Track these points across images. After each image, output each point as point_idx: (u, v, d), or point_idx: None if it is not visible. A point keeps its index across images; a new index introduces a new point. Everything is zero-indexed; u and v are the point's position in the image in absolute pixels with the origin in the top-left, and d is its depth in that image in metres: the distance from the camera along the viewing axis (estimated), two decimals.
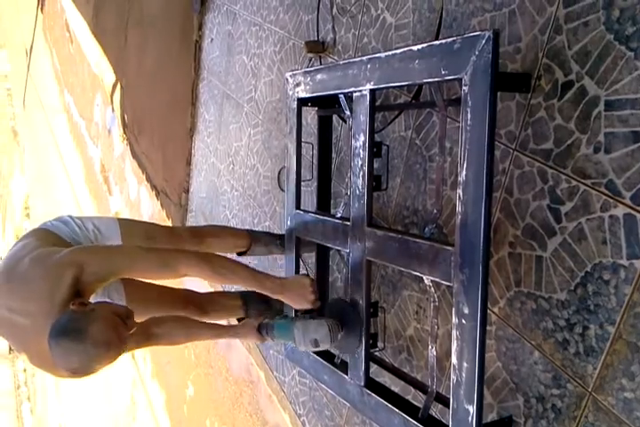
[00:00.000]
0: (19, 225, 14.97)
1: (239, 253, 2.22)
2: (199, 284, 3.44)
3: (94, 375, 1.49)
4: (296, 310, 1.86)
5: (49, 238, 1.74)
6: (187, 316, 1.94)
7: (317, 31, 2.22)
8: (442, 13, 1.58)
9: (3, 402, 13.71)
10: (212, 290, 2.64)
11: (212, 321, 1.99)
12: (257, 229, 2.64)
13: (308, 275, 1.96)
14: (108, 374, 6.87)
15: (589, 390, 1.21)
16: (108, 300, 1.84)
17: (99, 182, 6.82)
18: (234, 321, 2.20)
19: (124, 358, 6.50)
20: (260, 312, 2.16)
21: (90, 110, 6.94)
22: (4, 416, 13.40)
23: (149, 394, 5.36)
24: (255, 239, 2.18)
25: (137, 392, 5.77)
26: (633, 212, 1.11)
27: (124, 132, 5.48)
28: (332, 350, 1.79)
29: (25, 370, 14.11)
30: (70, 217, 1.88)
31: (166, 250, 1.72)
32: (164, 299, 2.03)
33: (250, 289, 1.93)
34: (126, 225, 1.94)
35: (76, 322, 1.39)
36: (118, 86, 5.63)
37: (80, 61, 7.17)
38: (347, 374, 1.66)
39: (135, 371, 5.85)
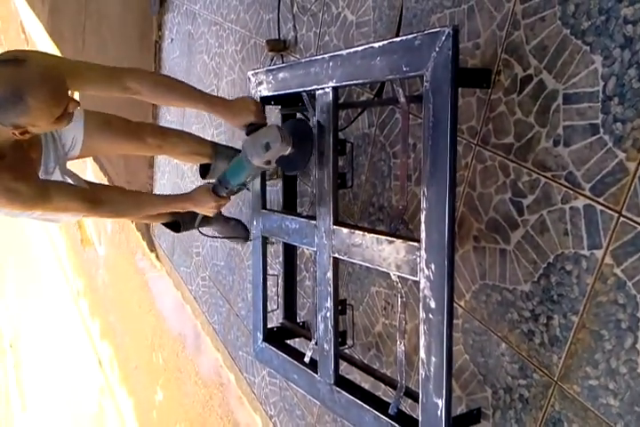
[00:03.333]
0: None
1: (202, 172, 2.18)
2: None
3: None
4: None
5: None
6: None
7: (278, 30, 2.21)
8: (402, 10, 1.59)
9: None
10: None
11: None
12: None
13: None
14: (75, 382, 6.73)
15: (555, 379, 1.23)
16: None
17: None
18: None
19: (91, 365, 6.36)
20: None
21: None
22: None
23: (117, 401, 5.27)
24: (218, 151, 2.15)
25: (105, 399, 5.66)
26: (592, 203, 1.13)
27: None
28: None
29: None
30: None
31: (111, 66, 1.67)
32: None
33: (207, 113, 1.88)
34: (90, 112, 1.96)
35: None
36: None
37: None
38: (316, 373, 1.66)
39: (102, 378, 5.74)
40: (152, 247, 4.14)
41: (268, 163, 1.60)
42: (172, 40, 3.41)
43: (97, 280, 5.93)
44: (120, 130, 1.99)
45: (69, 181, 1.97)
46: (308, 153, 1.57)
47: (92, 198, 1.72)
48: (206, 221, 2.36)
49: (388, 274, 1.44)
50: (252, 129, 1.67)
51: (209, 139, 2.30)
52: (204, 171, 2.20)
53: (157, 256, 4.06)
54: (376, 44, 1.34)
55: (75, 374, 6.81)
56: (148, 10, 3.66)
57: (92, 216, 1.84)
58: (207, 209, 1.82)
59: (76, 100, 1.48)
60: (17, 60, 1.37)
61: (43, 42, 6.67)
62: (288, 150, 1.57)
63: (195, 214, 2.00)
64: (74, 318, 6.77)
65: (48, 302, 7.98)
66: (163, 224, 2.53)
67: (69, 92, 1.46)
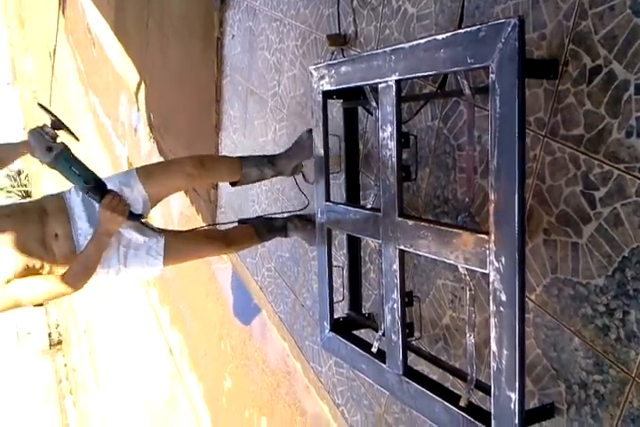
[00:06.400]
0: None
1: (233, 184, 2.40)
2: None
3: None
4: None
5: None
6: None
7: (338, 24, 2.22)
8: (464, 2, 1.57)
9: (46, 397, 14.10)
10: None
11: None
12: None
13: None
14: (146, 368, 7.01)
15: (633, 375, 1.21)
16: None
17: None
18: None
19: (162, 352, 6.57)
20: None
21: (115, 110, 7.03)
22: (48, 411, 13.79)
23: (187, 387, 5.47)
24: (244, 160, 2.36)
25: (175, 386, 5.88)
26: None
27: (151, 131, 5.54)
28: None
29: (66, 365, 14.46)
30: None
31: None
32: (194, 237, 2.45)
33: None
34: (143, 169, 2.24)
35: None
36: (142, 86, 5.69)
37: (103, 63, 7.25)
38: (384, 363, 1.68)
39: (173, 365, 5.96)
40: None
41: None
42: (233, 36, 3.46)
43: (165, 272, 6.13)
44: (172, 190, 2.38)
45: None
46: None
47: (63, 282, 1.97)
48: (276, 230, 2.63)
49: (454, 267, 1.45)
50: None
51: (270, 135, 2.42)
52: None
53: None
54: (439, 37, 1.33)
55: (146, 360, 7.09)
56: (209, 7, 3.73)
57: (80, 288, 2.08)
58: (115, 220, 2.01)
59: None
60: None
61: (108, 42, 6.90)
62: None
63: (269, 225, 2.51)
64: (144, 306, 7.04)
65: (119, 291, 8.31)
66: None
67: None
